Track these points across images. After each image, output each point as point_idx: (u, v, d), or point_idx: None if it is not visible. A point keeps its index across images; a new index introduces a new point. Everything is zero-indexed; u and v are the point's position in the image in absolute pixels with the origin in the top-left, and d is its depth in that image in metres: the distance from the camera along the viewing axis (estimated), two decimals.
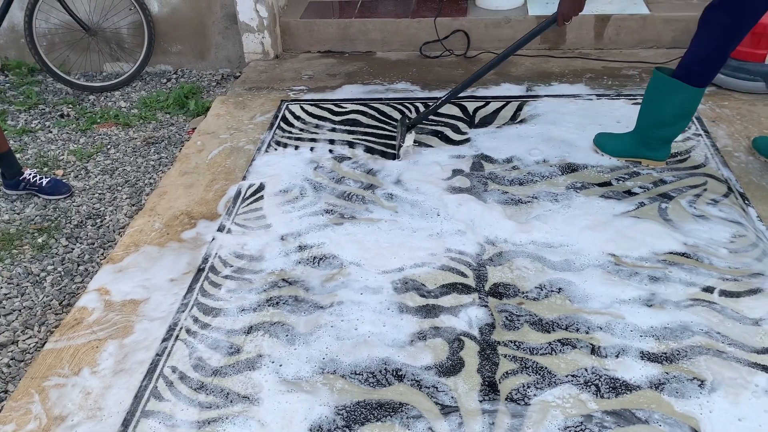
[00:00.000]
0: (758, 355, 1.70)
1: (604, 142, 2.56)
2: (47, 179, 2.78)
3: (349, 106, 3.07)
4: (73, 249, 2.48)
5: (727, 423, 1.54)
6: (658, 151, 2.45)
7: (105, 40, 3.86)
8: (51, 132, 3.33)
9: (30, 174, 2.76)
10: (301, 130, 2.91)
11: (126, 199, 2.77)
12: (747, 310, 1.84)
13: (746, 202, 2.27)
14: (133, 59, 3.82)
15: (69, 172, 2.97)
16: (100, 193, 2.81)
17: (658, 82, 2.32)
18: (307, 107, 3.09)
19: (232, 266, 2.12)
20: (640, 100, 2.94)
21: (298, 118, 3.01)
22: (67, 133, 3.32)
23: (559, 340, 1.78)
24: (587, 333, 1.80)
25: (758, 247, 2.07)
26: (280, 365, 1.75)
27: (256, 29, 3.57)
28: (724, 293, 1.90)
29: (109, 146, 3.17)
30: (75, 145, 3.19)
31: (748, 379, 1.64)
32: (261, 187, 2.51)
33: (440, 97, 2.72)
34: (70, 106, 3.58)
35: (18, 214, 2.69)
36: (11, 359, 2.01)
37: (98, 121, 3.40)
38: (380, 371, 1.72)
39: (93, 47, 3.87)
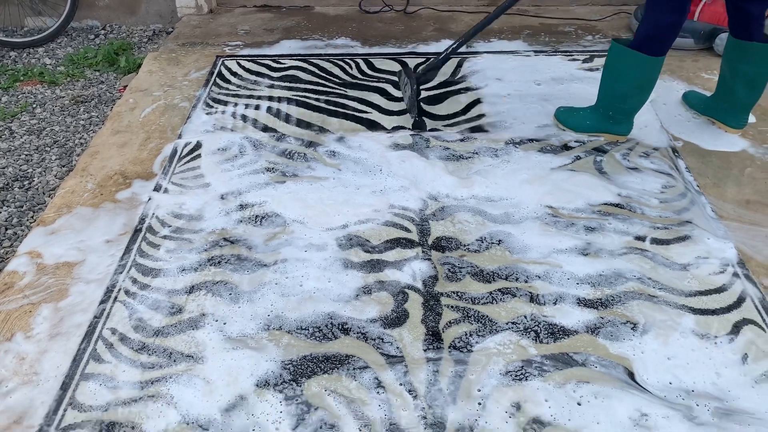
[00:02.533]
0: (686, 298, 1.79)
1: (565, 118, 2.50)
2: None
3: (288, 62, 3.01)
4: None
5: (658, 362, 1.62)
6: (621, 125, 2.40)
7: None
8: None
9: None
10: (239, 86, 2.83)
11: (55, 160, 2.65)
12: (676, 257, 1.93)
13: (676, 154, 2.36)
14: (57, 13, 3.61)
15: None
16: (27, 155, 2.68)
17: (616, 53, 2.26)
18: (244, 63, 3.01)
19: (170, 226, 2.07)
20: (576, 57, 3.01)
21: (234, 74, 2.93)
22: None
23: (499, 290, 1.83)
24: (526, 282, 1.85)
25: (686, 196, 2.16)
26: (224, 323, 1.73)
27: None
28: (655, 241, 1.98)
29: (34, 105, 3.02)
30: None
31: (677, 321, 1.72)
32: (198, 146, 2.44)
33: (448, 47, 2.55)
34: None
35: None
36: None
37: (21, 78, 3.22)
38: (326, 325, 1.72)
39: (13, 0, 3.64)
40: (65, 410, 1.52)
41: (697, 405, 1.51)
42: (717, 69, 2.87)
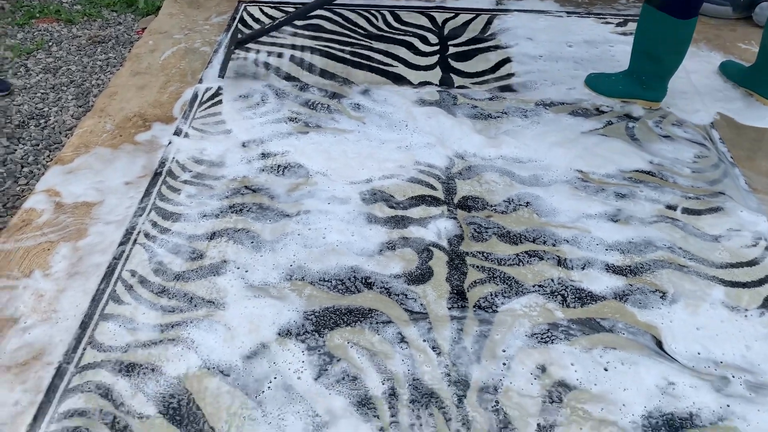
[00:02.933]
0: (717, 270, 1.75)
1: (596, 83, 2.43)
2: None
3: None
4: (15, 150, 2.32)
5: (686, 332, 1.59)
6: (654, 91, 2.34)
7: None
8: None
9: None
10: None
11: (72, 99, 2.59)
12: (708, 228, 1.88)
13: (711, 124, 2.29)
14: None
15: (6, 69, 2.75)
16: (42, 93, 2.62)
17: (646, 15, 2.21)
18: (267, 10, 2.92)
19: (191, 171, 2.03)
20: (609, 20, 2.92)
21: (257, 20, 2.84)
22: (2, 26, 3.05)
23: (526, 252, 1.79)
24: (554, 246, 1.81)
25: (719, 168, 2.10)
26: (246, 271, 1.70)
27: None
28: (686, 211, 1.94)
29: (50, 43, 2.94)
30: (12, 41, 2.94)
31: (707, 292, 1.69)
32: (219, 91, 2.38)
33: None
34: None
35: None
36: None
37: (37, 15, 3.13)
38: (349, 279, 1.69)
39: None
40: (84, 349, 1.50)
41: (726, 376, 1.48)
42: (755, 39, 2.80)
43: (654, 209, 1.94)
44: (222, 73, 2.40)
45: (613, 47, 2.72)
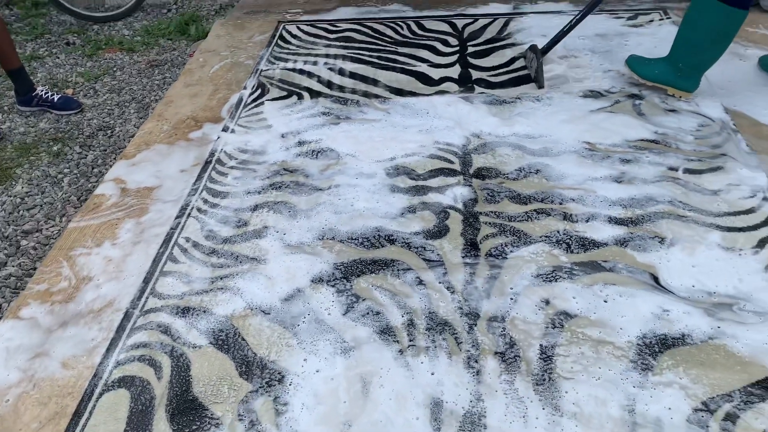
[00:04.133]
0: (715, 218, 1.89)
1: (636, 65, 2.51)
2: (58, 96, 2.93)
3: (344, 26, 3.21)
4: (86, 155, 2.65)
5: (682, 269, 1.73)
6: (687, 80, 2.39)
7: None
8: (58, 58, 3.47)
9: (42, 90, 2.92)
10: (298, 46, 3.05)
11: (134, 113, 2.93)
12: (707, 184, 2.02)
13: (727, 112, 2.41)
14: None
15: (78, 91, 3.12)
16: (109, 109, 2.97)
17: (698, 2, 2.24)
18: (303, 27, 3.23)
19: (236, 159, 2.30)
20: (621, 15, 3.10)
21: (294, 36, 3.15)
22: (74, 58, 3.46)
23: (534, 210, 1.97)
24: (561, 204, 1.98)
25: (721, 134, 2.24)
26: (284, 234, 1.94)
27: None
28: (688, 171, 2.08)
29: (114, 69, 3.32)
30: (82, 69, 3.33)
31: (704, 236, 1.83)
32: (261, 95, 2.67)
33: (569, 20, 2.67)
34: (75, 35, 3.71)
35: (33, 127, 2.85)
36: (37, 243, 2.20)
37: (103, 47, 3.53)
38: (374, 237, 1.91)
39: None
40: (147, 298, 1.76)
41: (719, 303, 1.62)
42: (763, 23, 2.93)
43: (657, 171, 2.09)
44: (539, 80, 2.62)
45: (625, 38, 2.89)
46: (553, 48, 2.69)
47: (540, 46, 2.66)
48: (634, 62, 2.53)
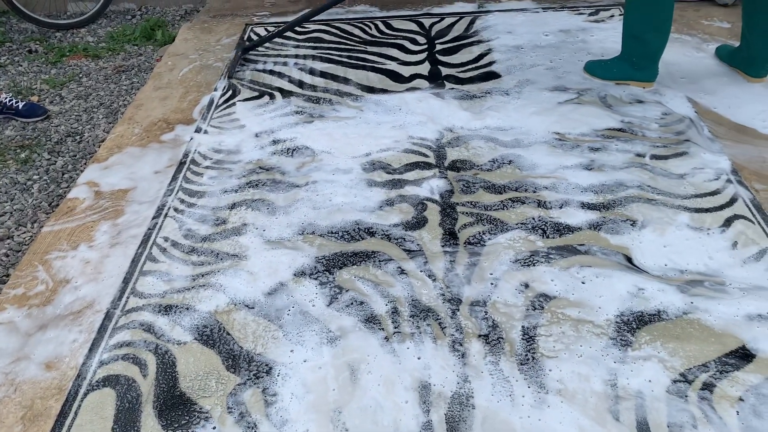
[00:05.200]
0: (682, 200, 1.95)
1: (593, 69, 2.61)
2: (23, 103, 2.89)
3: (311, 27, 3.23)
4: (56, 161, 2.61)
5: (654, 249, 1.79)
6: (645, 71, 2.49)
7: None
8: (21, 66, 3.41)
9: (5, 98, 2.86)
10: (267, 48, 3.06)
11: (102, 118, 2.90)
12: (674, 168, 2.09)
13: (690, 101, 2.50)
14: None
15: (44, 98, 3.07)
16: (76, 115, 2.93)
17: None
18: (271, 29, 3.24)
19: (211, 159, 2.29)
20: (582, 11, 3.18)
21: None
22: (38, 65, 3.41)
23: (509, 199, 2.01)
24: (534, 192, 2.03)
25: (684, 121, 2.32)
26: (264, 230, 1.94)
27: None
28: (654, 156, 2.15)
29: (80, 75, 3.28)
30: (46, 76, 3.28)
31: (673, 218, 1.89)
32: (233, 95, 2.67)
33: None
34: (38, 42, 3.65)
35: None
36: (9, 250, 2.16)
37: (67, 54, 3.49)
38: (354, 230, 1.92)
39: None
40: (128, 298, 1.75)
41: (691, 280, 1.68)
42: (716, 17, 3.04)
43: (625, 158, 2.15)
44: (231, 73, 2.70)
45: (586, 32, 2.98)
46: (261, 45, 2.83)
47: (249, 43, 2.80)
48: (593, 67, 2.63)
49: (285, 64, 2.90)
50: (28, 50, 3.56)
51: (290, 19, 3.33)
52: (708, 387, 1.41)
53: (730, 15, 3.05)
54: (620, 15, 3.12)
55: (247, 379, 1.49)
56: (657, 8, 2.36)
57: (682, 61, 2.71)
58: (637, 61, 2.50)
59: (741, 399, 1.39)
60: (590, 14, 3.15)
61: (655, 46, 2.45)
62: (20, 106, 2.87)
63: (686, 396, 1.40)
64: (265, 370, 1.51)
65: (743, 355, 1.48)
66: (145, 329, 1.64)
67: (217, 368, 1.52)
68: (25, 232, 2.23)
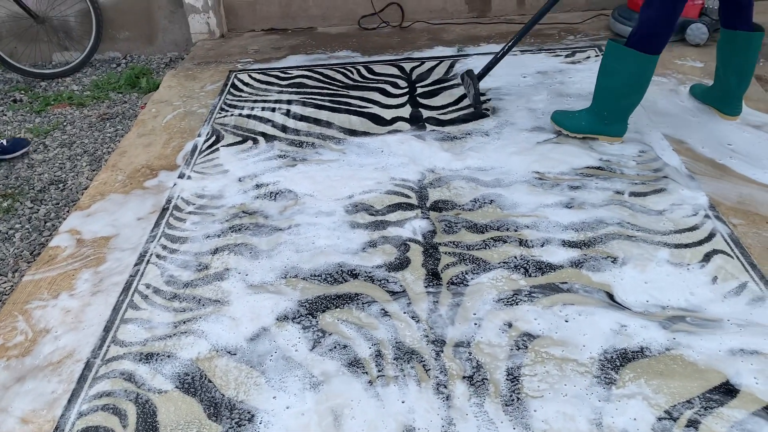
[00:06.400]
0: (662, 236, 1.98)
1: (562, 120, 2.54)
2: (5, 140, 2.91)
3: (295, 72, 3.28)
4: (38, 210, 2.60)
5: (636, 286, 1.80)
6: (614, 126, 2.43)
7: (53, 28, 3.96)
8: (5, 115, 3.43)
9: None
10: (250, 94, 3.10)
11: (86, 166, 2.90)
12: (652, 204, 2.12)
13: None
14: (82, 47, 3.94)
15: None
16: (60, 163, 2.93)
17: (612, 51, 2.30)
18: (254, 75, 3.29)
19: (194, 204, 2.30)
20: (558, 53, 3.26)
21: (246, 84, 3.20)
22: (22, 114, 3.42)
23: (491, 238, 2.02)
24: (516, 231, 2.04)
25: (660, 159, 2.36)
26: (246, 275, 1.94)
27: (201, 10, 3.75)
28: (633, 194, 2.18)
29: (65, 124, 3.29)
30: (31, 125, 3.29)
31: (653, 254, 1.91)
32: (216, 141, 2.69)
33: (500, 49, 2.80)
34: (23, 92, 3.68)
35: None
36: None
37: (52, 102, 3.51)
38: (337, 272, 1.92)
39: (41, 37, 3.97)
40: (108, 346, 1.72)
41: (672, 316, 1.68)
42: (690, 56, 3.13)
43: (605, 195, 2.18)
44: (476, 102, 2.78)
45: (563, 73, 3.04)
46: (489, 73, 2.81)
47: (476, 72, 2.79)
48: (560, 118, 2.55)
49: (268, 109, 2.94)
50: (13, 100, 3.58)
51: (275, 65, 3.39)
52: (693, 424, 1.41)
53: (703, 54, 3.14)
54: (596, 56, 3.21)
55: (229, 428, 1.47)
56: (644, 65, 2.27)
57: (658, 100, 2.77)
58: (608, 116, 2.42)
59: None
60: (567, 56, 3.23)
61: (629, 102, 2.40)
62: (5, 143, 2.91)
63: None
64: (247, 418, 1.49)
65: (727, 391, 1.48)
66: (126, 378, 1.62)
67: (198, 417, 1.50)
68: (5, 282, 2.21)
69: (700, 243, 1.94)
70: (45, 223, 2.52)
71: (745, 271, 1.82)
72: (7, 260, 2.32)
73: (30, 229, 2.48)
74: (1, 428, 1.51)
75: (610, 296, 1.77)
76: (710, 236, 1.97)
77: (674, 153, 2.39)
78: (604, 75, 2.37)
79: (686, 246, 1.93)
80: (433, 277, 1.88)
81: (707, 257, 1.88)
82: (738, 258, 1.87)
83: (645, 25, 2.22)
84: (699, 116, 2.64)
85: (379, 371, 1.58)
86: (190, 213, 2.25)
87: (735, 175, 2.26)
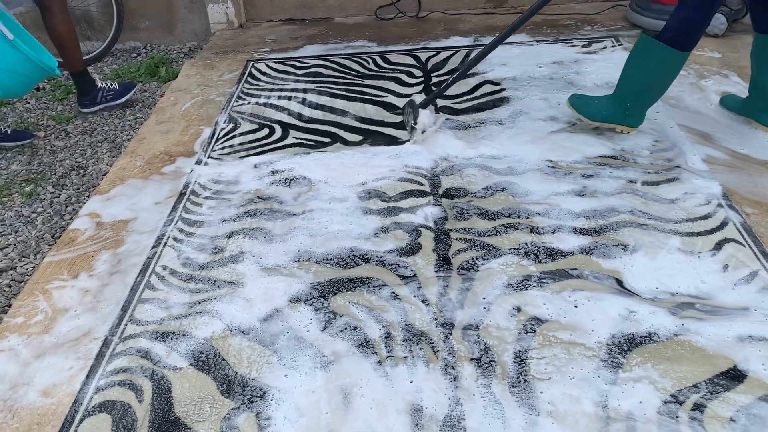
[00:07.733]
0: (674, 224, 1.98)
1: (580, 105, 2.48)
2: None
3: (311, 62, 3.31)
4: (60, 194, 2.66)
5: (646, 273, 1.81)
6: (633, 118, 2.41)
7: (75, 18, 4.02)
8: (29, 103, 3.50)
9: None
10: (267, 82, 3.13)
11: (107, 152, 2.96)
12: (665, 193, 2.12)
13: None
14: (103, 36, 4.00)
15: (50, 134, 3.14)
16: (81, 149, 2.99)
17: (644, 45, 2.25)
18: (271, 64, 3.32)
19: (211, 189, 2.34)
20: (575, 43, 3.25)
21: (264, 73, 3.23)
22: (45, 102, 3.49)
23: (503, 225, 2.04)
24: (527, 218, 2.06)
25: (675, 148, 2.36)
26: (261, 258, 1.97)
27: (220, 0, 3.79)
28: (646, 183, 2.18)
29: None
30: (53, 112, 3.36)
31: (664, 242, 1.91)
32: (233, 129, 2.73)
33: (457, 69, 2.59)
34: (45, 81, 3.74)
35: (4, 169, 2.86)
36: (12, 280, 2.19)
37: (73, 91, 3.57)
38: (349, 256, 1.95)
39: None
40: (126, 325, 1.77)
41: (682, 303, 1.69)
42: (708, 47, 3.10)
43: (617, 184, 2.18)
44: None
45: (579, 63, 3.04)
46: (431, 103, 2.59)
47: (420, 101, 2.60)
48: (578, 103, 2.49)
49: (285, 98, 2.97)
50: (36, 88, 3.65)
51: (292, 54, 3.42)
52: (699, 408, 1.42)
53: (721, 45, 3.11)
54: (612, 47, 3.19)
55: (241, 404, 1.51)
56: (676, 61, 2.23)
57: (674, 91, 2.75)
58: (630, 107, 2.39)
59: (732, 419, 1.39)
60: (583, 46, 3.22)
61: (655, 95, 2.37)
62: (7, 131, 2.99)
63: (677, 417, 1.40)
64: (259, 395, 1.52)
65: (734, 376, 1.49)
66: (142, 356, 1.66)
67: (211, 393, 1.54)
68: (27, 263, 2.27)
69: (711, 231, 1.94)
70: (66, 207, 2.57)
71: (756, 260, 1.82)
72: (30, 243, 2.38)
73: (51, 213, 2.54)
74: (24, 401, 1.56)
75: (620, 283, 1.78)
76: (722, 225, 1.97)
77: (689, 142, 2.38)
78: (633, 67, 2.33)
79: (698, 234, 1.93)
80: (444, 262, 1.90)
81: (719, 245, 1.88)
82: (750, 246, 1.87)
83: (682, 24, 2.17)
84: (716, 107, 2.62)
85: (388, 352, 1.61)
86: (206, 198, 2.29)
87: (751, 163, 2.24)
